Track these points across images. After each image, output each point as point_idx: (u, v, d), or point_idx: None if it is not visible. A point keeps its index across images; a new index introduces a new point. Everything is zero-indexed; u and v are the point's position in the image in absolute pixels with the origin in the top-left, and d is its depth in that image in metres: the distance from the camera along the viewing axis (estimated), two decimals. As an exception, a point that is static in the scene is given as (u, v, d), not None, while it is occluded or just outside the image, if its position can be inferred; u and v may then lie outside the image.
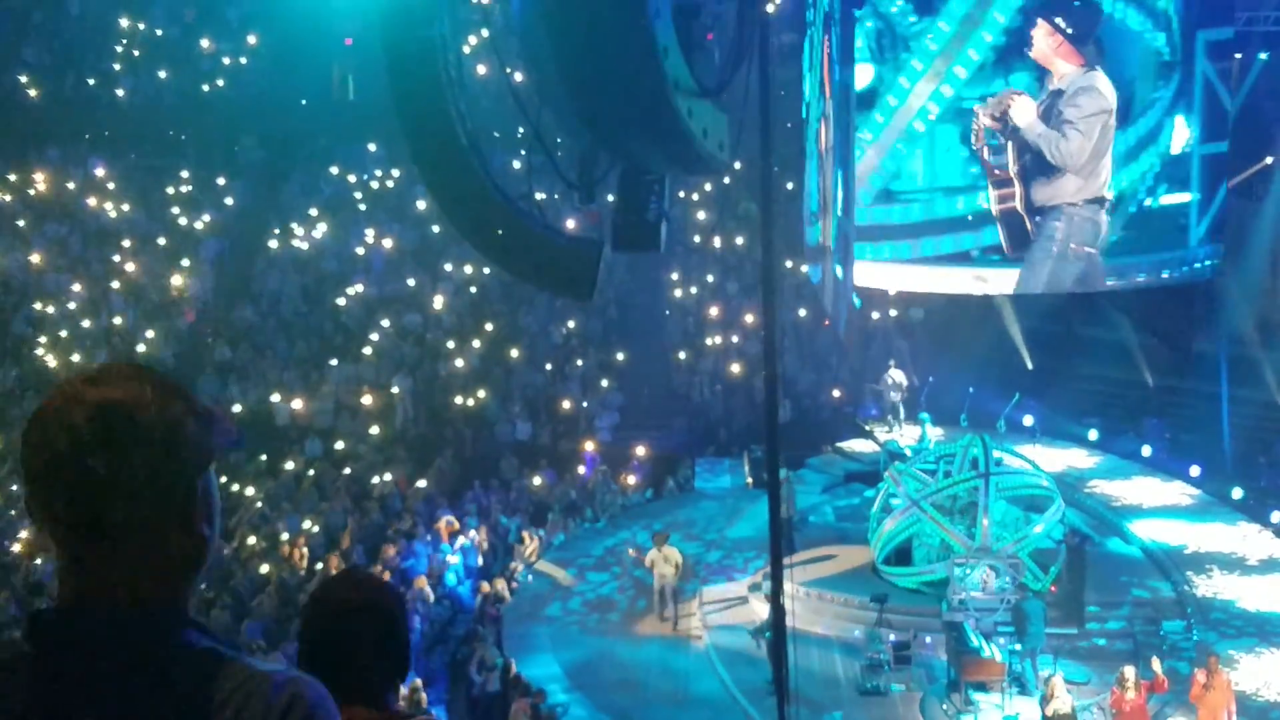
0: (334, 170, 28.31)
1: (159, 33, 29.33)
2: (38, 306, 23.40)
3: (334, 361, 23.13)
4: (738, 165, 24.16)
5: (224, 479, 20.08)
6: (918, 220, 16.19)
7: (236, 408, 22.09)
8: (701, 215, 27.79)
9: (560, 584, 18.17)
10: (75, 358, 22.54)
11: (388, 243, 26.23)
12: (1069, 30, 14.71)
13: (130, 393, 1.58)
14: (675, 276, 26.14)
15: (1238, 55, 16.71)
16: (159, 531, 1.58)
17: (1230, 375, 21.34)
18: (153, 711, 1.54)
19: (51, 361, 22.36)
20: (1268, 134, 19.83)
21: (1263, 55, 17.93)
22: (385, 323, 24.17)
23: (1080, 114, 14.93)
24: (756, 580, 16.86)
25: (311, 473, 20.48)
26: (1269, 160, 20.21)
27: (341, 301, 24.84)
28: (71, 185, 26.46)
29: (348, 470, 20.72)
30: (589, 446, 21.63)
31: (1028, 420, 22.44)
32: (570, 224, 19.91)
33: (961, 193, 16.28)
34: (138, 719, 1.55)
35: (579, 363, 23.90)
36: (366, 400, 22.22)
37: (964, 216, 16.13)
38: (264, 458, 20.70)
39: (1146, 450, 21.96)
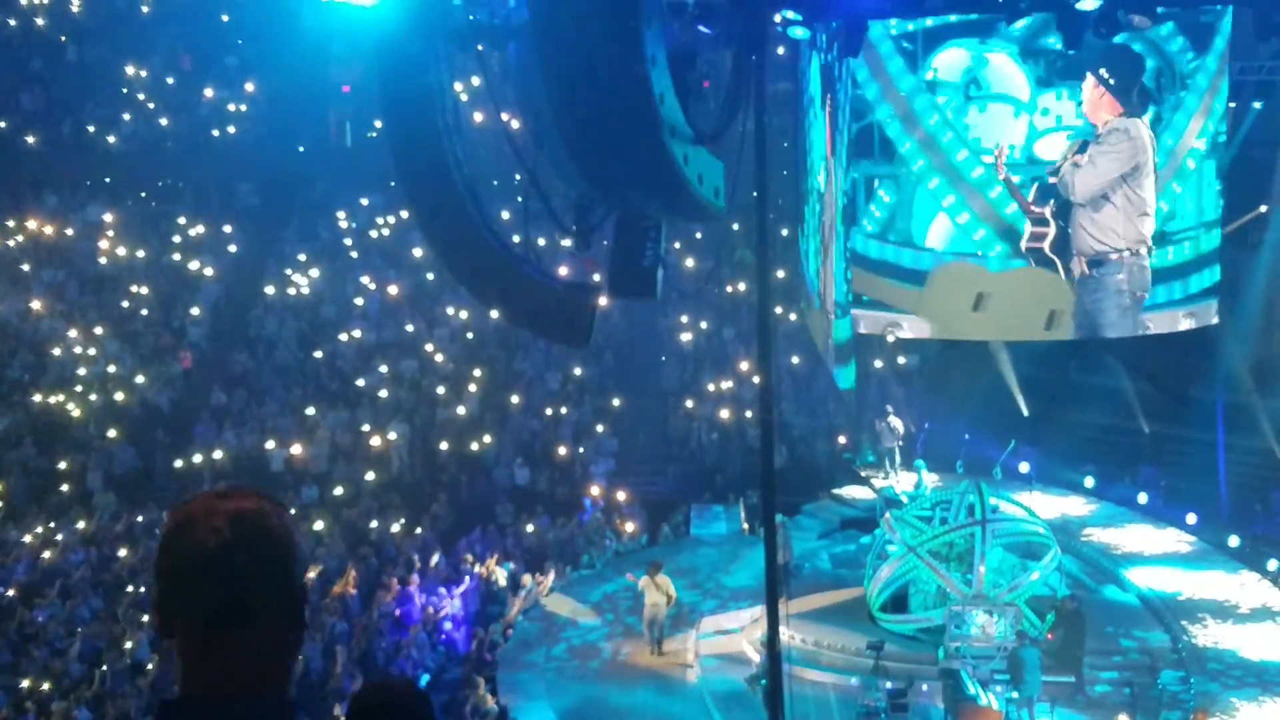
0: (333, 216, 28.56)
1: (158, 79, 29.69)
2: (30, 355, 23.46)
3: (328, 407, 23.20)
4: (735, 226, 24.53)
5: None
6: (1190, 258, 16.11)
7: (224, 454, 22.15)
8: (693, 262, 28.01)
9: (576, 618, 18.17)
10: (70, 405, 22.60)
11: (385, 289, 26.41)
12: (1111, 82, 15.00)
13: (257, 505, 1.88)
14: (671, 323, 26.31)
15: (1232, 104, 16.96)
16: (280, 622, 1.86)
17: (1226, 423, 21.44)
18: None
19: (49, 407, 22.39)
20: (1262, 182, 20.10)
21: (1257, 104, 18.21)
22: (382, 368, 24.30)
23: (1100, 150, 15.16)
24: (752, 627, 16.86)
25: (319, 523, 20.44)
26: (1263, 208, 20.46)
27: (338, 346, 24.97)
28: (70, 231, 26.67)
29: (341, 515, 20.74)
30: (592, 491, 21.64)
31: (1024, 467, 22.46)
32: (566, 270, 20.10)
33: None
34: None
35: (573, 409, 23.99)
36: (363, 445, 22.28)
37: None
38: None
39: (1143, 497, 22.00)
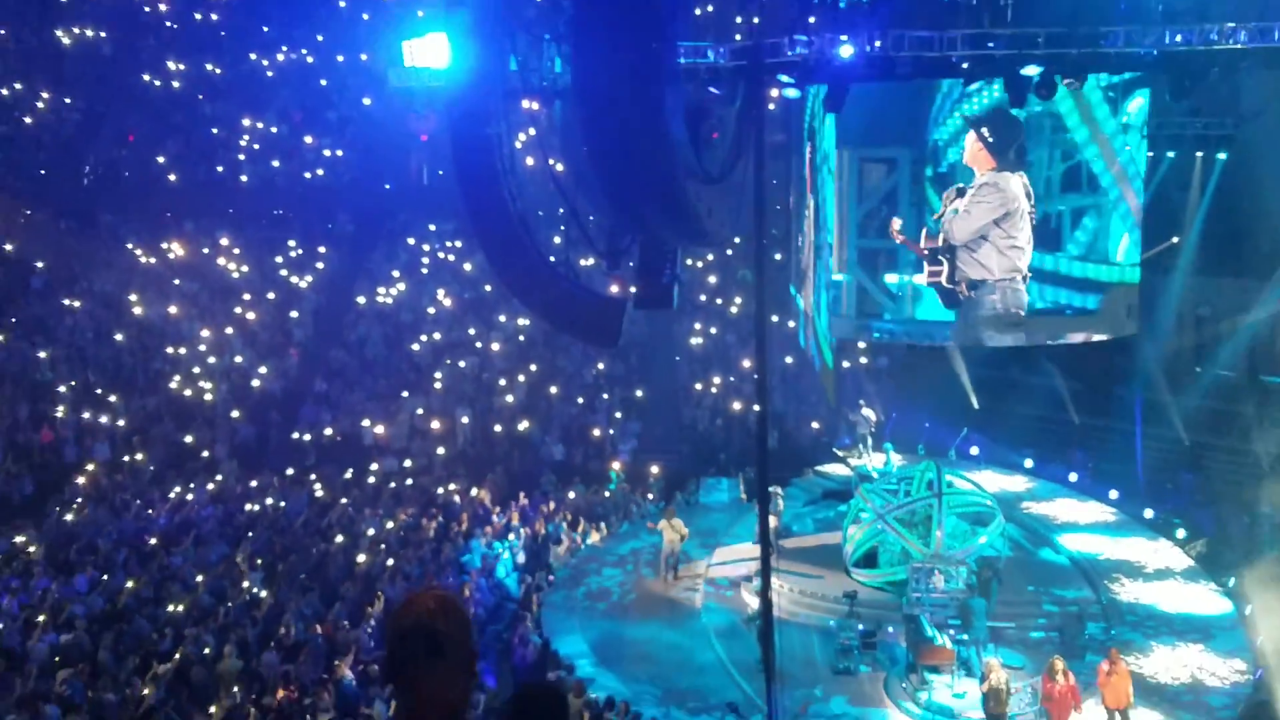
0: (410, 241, 28.73)
1: (273, 130, 29.98)
2: (171, 349, 23.78)
3: (407, 394, 23.36)
4: (737, 239, 24.48)
5: (319, 489, 20.28)
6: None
7: (330, 430, 22.37)
8: (710, 278, 28.03)
9: (602, 567, 18.24)
10: (206, 388, 22.84)
11: (451, 300, 26.54)
12: (990, 139, 14.98)
13: (448, 596, 2.47)
14: (685, 329, 26.29)
15: (1150, 154, 16.85)
16: (461, 660, 2.41)
17: (1143, 415, 21.22)
18: None
19: (185, 392, 22.66)
20: (1174, 218, 19.94)
21: (1170, 154, 18.10)
22: (449, 363, 24.40)
23: (973, 200, 15.18)
24: (749, 578, 16.86)
25: (398, 486, 20.62)
26: (1175, 239, 20.30)
27: (415, 346, 25.10)
28: (204, 251, 26.96)
29: (416, 481, 20.86)
30: (614, 465, 21.70)
31: (974, 450, 22.35)
32: (600, 285, 20.13)
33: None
34: None
35: (605, 397, 24.02)
36: (434, 425, 22.43)
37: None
38: (350, 471, 20.90)
39: (1073, 476, 21.80)
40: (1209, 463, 20.89)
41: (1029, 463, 22.41)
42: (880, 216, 15.99)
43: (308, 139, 29.83)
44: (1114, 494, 20.74)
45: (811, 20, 14.23)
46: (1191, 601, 16.68)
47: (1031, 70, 13.38)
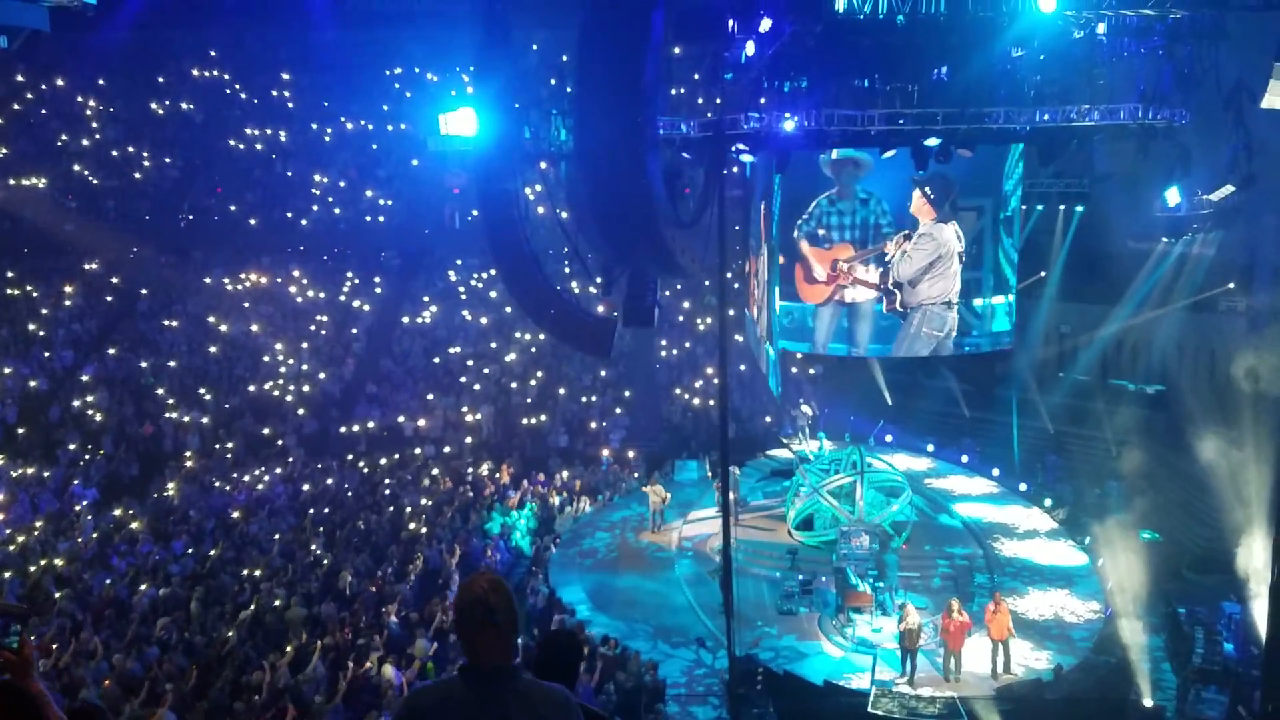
0: (445, 272, 28.61)
1: (334, 183, 29.78)
2: (250, 359, 23.51)
3: (442, 395, 23.20)
4: (704, 272, 24.53)
5: (364, 467, 20.07)
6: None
7: (378, 424, 22.14)
8: (683, 303, 28.05)
9: (596, 531, 18.18)
10: (279, 390, 22.58)
11: (478, 319, 26.43)
12: (931, 196, 15.09)
13: (496, 578, 2.54)
14: (664, 343, 26.29)
15: (1023, 207, 17.04)
16: (509, 626, 2.46)
17: (1019, 410, 21.46)
18: (524, 711, 2.40)
19: (262, 394, 22.37)
20: (1042, 256, 20.20)
21: (1040, 207, 18.34)
22: (476, 370, 24.27)
23: (914, 247, 15.26)
24: (712, 538, 16.84)
25: (435, 469, 20.42)
26: (1043, 273, 20.56)
27: (448, 356, 24.96)
28: (278, 280, 26.71)
29: (449, 464, 20.72)
30: (603, 452, 21.64)
31: (889, 438, 22.48)
32: (598, 308, 20.13)
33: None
34: (518, 714, 2.39)
35: (598, 398, 23.98)
36: (465, 419, 22.27)
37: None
38: (395, 456, 20.72)
39: (964, 458, 21.99)
40: (1069, 447, 21.12)
41: (930, 447, 22.60)
42: (971, 254, 15.62)
43: (369, 193, 29.57)
44: (996, 472, 20.95)
45: (763, 101, 14.32)
46: (1056, 555, 16.86)
47: (932, 141, 13.54)
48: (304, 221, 28.73)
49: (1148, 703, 11.54)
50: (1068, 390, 21.75)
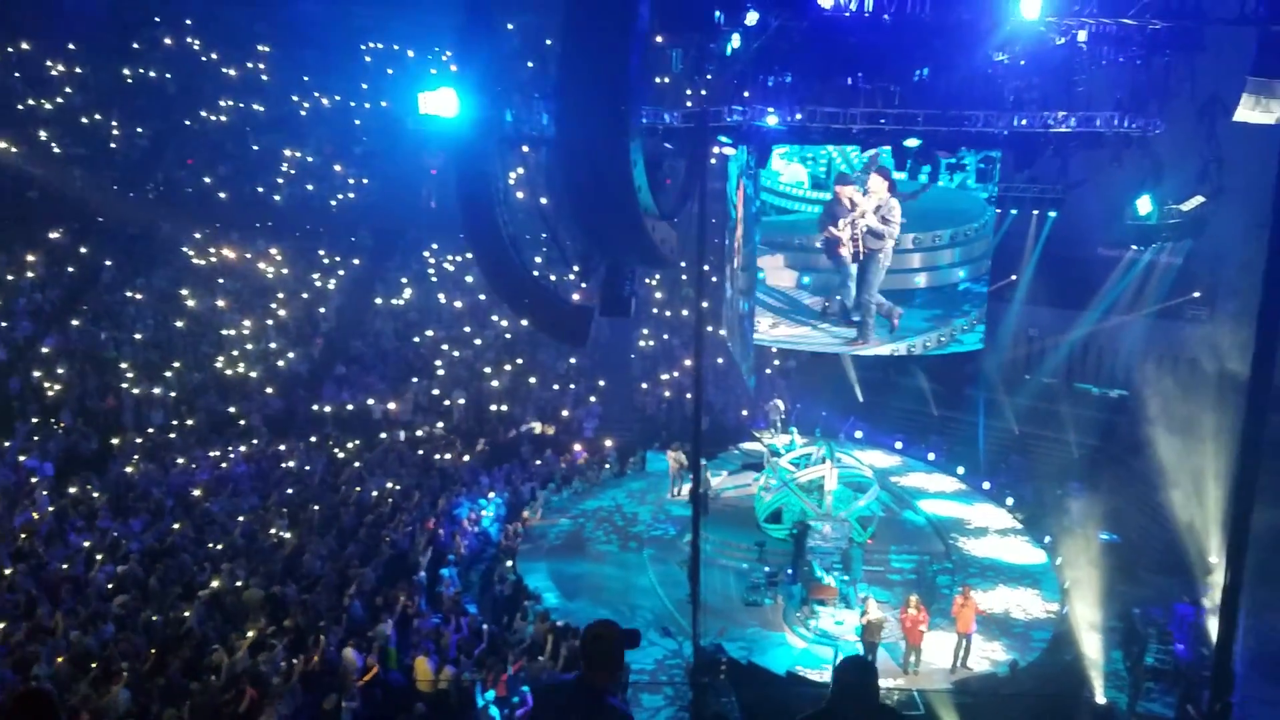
0: (419, 254, 28.21)
1: (309, 159, 29.17)
2: (216, 335, 23.01)
3: (414, 378, 22.93)
4: (683, 263, 24.49)
5: (336, 449, 19.77)
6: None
7: (347, 405, 21.83)
8: (659, 294, 28.00)
9: (564, 519, 18.03)
10: (244, 367, 22.15)
11: (452, 303, 26.11)
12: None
13: (610, 624, 3.32)
14: (639, 333, 26.24)
15: (999, 210, 17.18)
16: (614, 663, 3.28)
17: (985, 411, 21.75)
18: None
19: (227, 371, 21.95)
20: (1014, 260, 20.45)
21: (1014, 210, 18.52)
22: (448, 354, 24.01)
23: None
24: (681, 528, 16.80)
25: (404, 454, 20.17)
26: (1014, 276, 20.83)
27: (420, 339, 24.66)
28: (246, 256, 26.13)
29: (418, 448, 20.50)
30: (574, 446, 21.55)
31: (858, 434, 22.69)
32: (574, 296, 20.00)
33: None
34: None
35: (573, 386, 23.87)
36: (439, 403, 22.00)
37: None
38: (362, 439, 20.42)
39: (931, 456, 22.27)
40: (1033, 448, 21.45)
41: (899, 445, 22.84)
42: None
43: (337, 168, 29.02)
44: (961, 470, 21.23)
45: (746, 94, 14.25)
46: (1016, 553, 17.14)
47: (912, 142, 13.59)
48: (276, 197, 28.10)
49: (1100, 700, 11.79)
50: (1034, 392, 22.09)
